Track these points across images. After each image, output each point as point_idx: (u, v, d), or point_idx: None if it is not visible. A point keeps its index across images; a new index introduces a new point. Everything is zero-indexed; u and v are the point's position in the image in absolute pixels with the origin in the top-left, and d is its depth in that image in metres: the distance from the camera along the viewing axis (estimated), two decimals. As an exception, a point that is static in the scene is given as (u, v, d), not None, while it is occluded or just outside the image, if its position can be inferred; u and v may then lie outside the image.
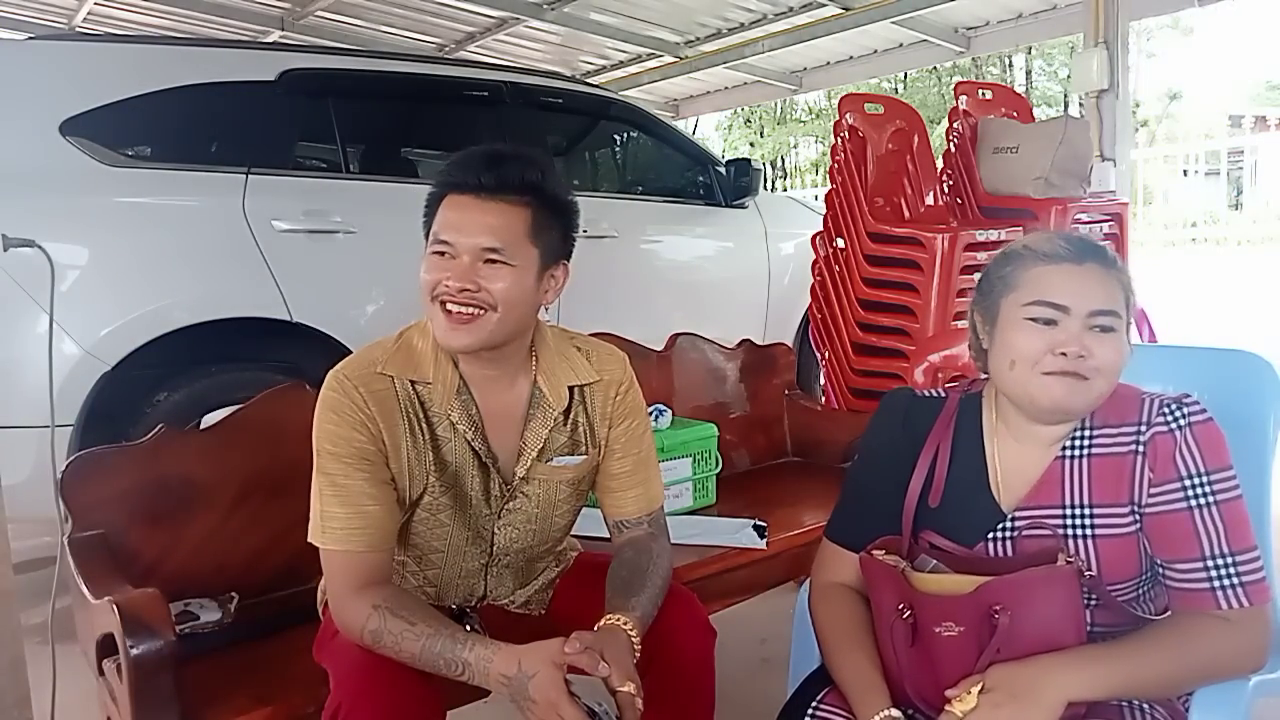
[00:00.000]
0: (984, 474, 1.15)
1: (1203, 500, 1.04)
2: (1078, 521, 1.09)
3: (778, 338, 3.38)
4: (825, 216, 3.38)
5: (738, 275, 3.89)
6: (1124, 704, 1.05)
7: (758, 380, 2.59)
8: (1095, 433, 1.11)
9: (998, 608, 0.99)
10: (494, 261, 1.18)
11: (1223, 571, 1.02)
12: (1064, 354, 1.05)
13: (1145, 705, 1.06)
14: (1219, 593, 1.02)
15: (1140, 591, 1.11)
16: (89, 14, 7.64)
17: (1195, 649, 1.01)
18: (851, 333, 3.27)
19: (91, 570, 1.38)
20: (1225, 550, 1.02)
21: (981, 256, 2.98)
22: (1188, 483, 1.04)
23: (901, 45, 7.74)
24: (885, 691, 1.05)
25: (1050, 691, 0.96)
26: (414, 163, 3.51)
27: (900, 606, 1.05)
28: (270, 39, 7.56)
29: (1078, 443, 1.11)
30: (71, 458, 1.55)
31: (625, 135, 4.10)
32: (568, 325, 1.45)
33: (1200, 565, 1.03)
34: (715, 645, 1.31)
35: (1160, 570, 1.08)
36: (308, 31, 7.67)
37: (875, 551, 1.11)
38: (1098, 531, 1.08)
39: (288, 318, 2.65)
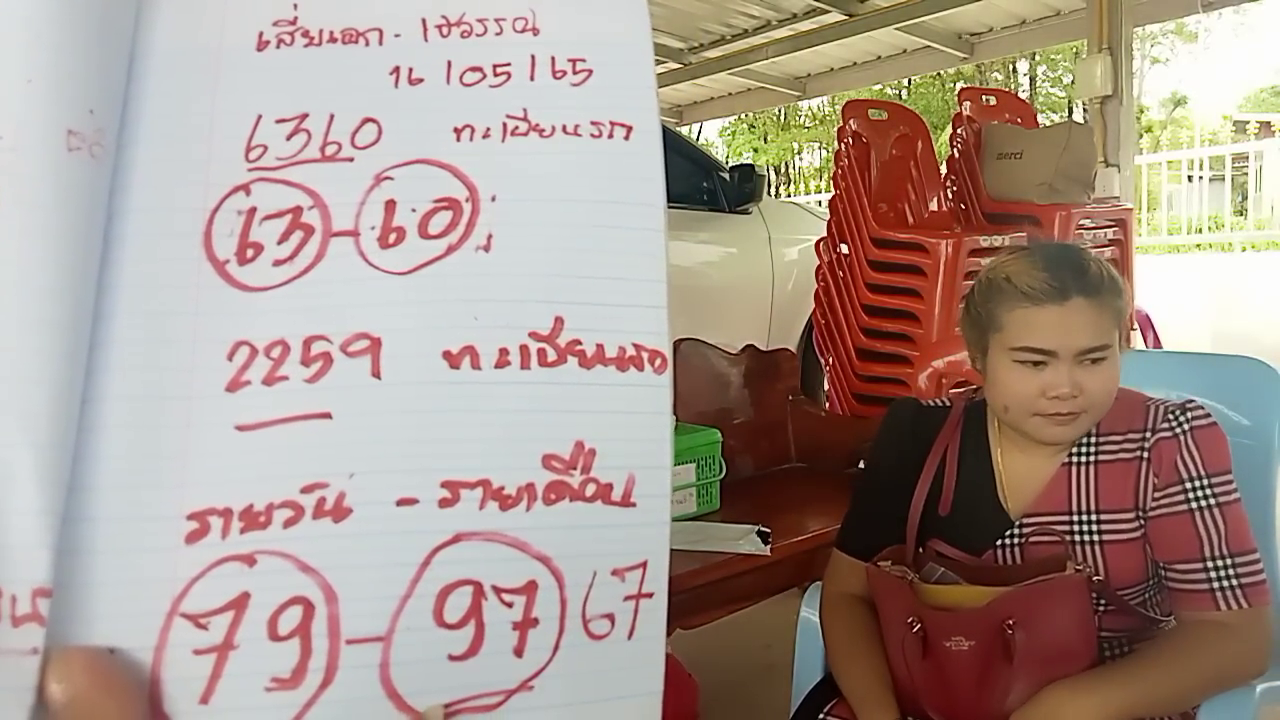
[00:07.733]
0: (991, 482, 1.16)
1: (1204, 502, 1.04)
2: (1085, 528, 1.09)
3: (782, 343, 3.37)
4: (829, 222, 3.38)
5: (741, 281, 3.88)
6: None
7: (762, 386, 2.58)
8: (1101, 439, 1.11)
9: (1010, 622, 0.99)
10: None
11: (1222, 573, 1.03)
12: (1057, 396, 1.05)
13: None
14: (1218, 594, 1.02)
15: (1147, 596, 1.11)
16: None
17: (1199, 659, 1.01)
18: (855, 338, 3.27)
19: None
20: (1225, 552, 1.03)
21: (985, 262, 2.98)
22: (1189, 485, 1.05)
23: (905, 51, 7.74)
24: (892, 704, 1.05)
25: None
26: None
27: (910, 620, 1.04)
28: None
29: (1084, 449, 1.12)
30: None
31: (629, 141, 4.10)
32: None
33: (1200, 566, 1.04)
34: (698, 698, 1.27)
35: (1162, 572, 1.08)
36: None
37: (882, 563, 1.11)
38: (1105, 537, 1.08)
39: None
